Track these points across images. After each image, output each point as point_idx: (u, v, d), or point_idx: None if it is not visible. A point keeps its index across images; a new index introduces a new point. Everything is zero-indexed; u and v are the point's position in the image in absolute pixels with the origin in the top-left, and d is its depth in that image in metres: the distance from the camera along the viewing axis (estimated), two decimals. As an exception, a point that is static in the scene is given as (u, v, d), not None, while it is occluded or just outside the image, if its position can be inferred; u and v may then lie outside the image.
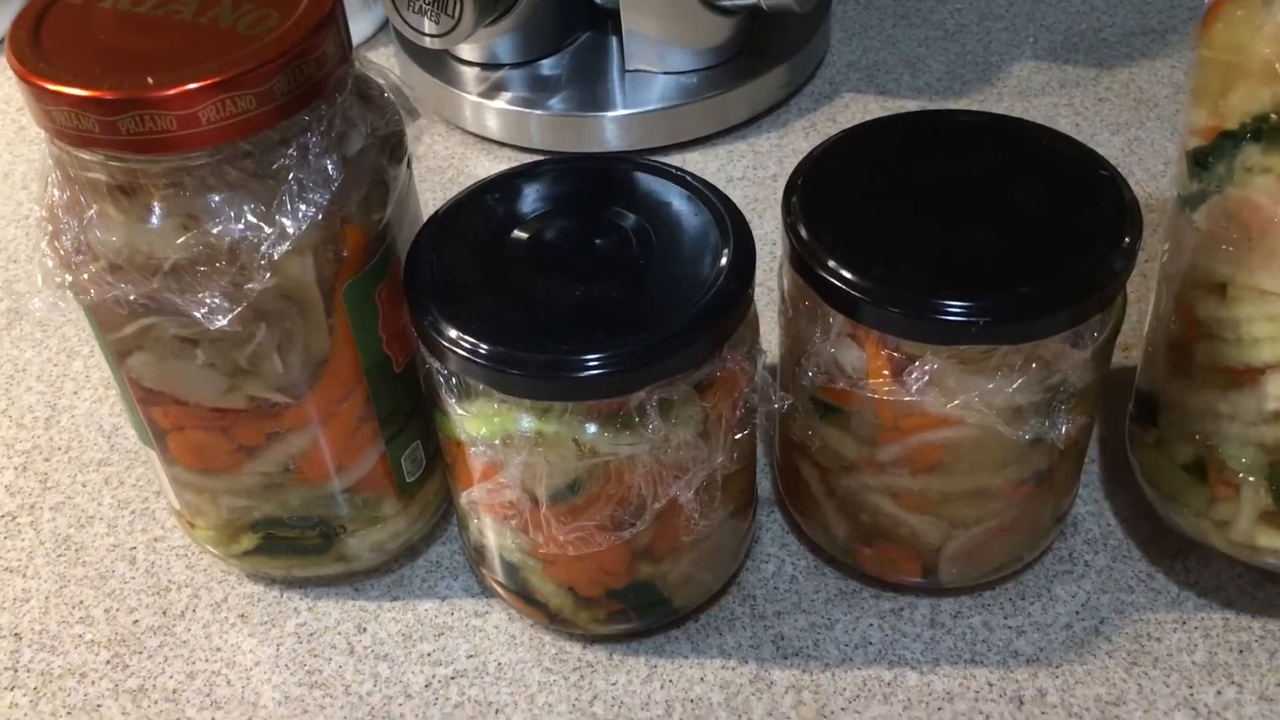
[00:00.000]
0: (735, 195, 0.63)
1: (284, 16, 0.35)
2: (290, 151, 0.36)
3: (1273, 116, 0.35)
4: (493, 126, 0.68)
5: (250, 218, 0.35)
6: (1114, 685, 0.42)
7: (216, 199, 0.35)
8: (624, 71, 0.68)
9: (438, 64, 0.70)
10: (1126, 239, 0.37)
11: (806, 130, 0.67)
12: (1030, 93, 0.68)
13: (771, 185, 0.64)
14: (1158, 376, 0.42)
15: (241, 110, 0.34)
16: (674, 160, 0.66)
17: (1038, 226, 0.38)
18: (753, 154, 0.66)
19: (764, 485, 0.50)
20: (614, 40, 0.69)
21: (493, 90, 0.68)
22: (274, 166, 0.36)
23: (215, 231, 0.35)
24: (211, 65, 0.34)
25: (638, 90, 0.68)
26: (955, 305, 0.36)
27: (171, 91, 0.33)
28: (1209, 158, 0.38)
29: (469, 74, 0.69)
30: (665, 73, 0.68)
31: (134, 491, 0.51)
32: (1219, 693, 0.42)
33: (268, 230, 0.35)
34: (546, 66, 0.69)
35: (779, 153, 0.66)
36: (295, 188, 0.36)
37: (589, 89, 0.68)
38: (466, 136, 0.69)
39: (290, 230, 0.36)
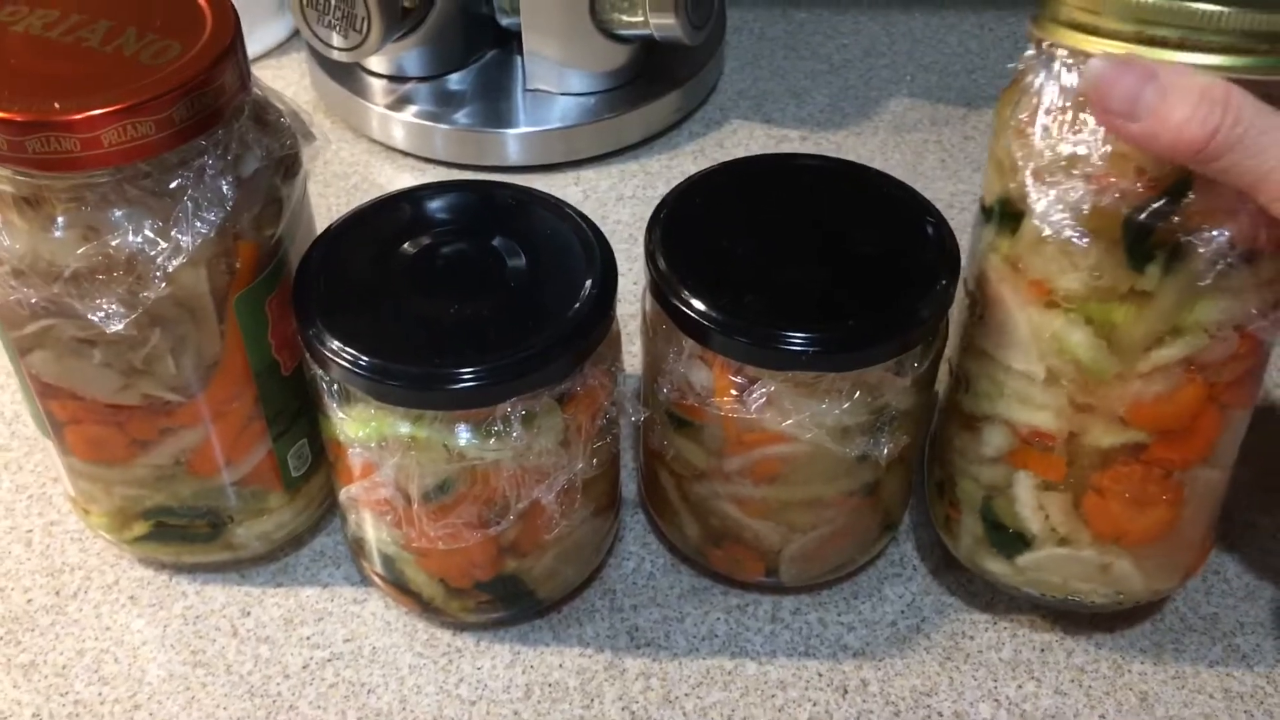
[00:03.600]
0: (624, 213, 0.67)
1: (185, 48, 0.39)
2: (187, 173, 0.39)
3: (1005, 203, 0.40)
4: (398, 137, 0.71)
5: (148, 232, 0.38)
6: (929, 677, 0.47)
7: (116, 214, 0.38)
8: (526, 90, 0.72)
9: (347, 74, 0.73)
10: (942, 281, 0.42)
11: (694, 154, 0.71)
12: (904, 128, 0.73)
13: (659, 205, 0.68)
14: (942, 409, 0.48)
15: (141, 135, 0.37)
16: (569, 176, 0.70)
17: (868, 266, 0.43)
18: (644, 174, 0.70)
19: (631, 488, 0.54)
20: (518, 60, 0.73)
21: (400, 103, 0.71)
22: (171, 186, 0.39)
23: (114, 244, 0.38)
24: (115, 93, 0.37)
25: (538, 109, 0.71)
26: (790, 336, 0.40)
27: (76, 116, 0.36)
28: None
29: (377, 85, 0.72)
30: (564, 94, 0.71)
31: (31, 477, 0.54)
32: (1019, 686, 0.47)
33: (163, 244, 0.38)
34: (452, 82, 0.73)
35: (668, 174, 0.70)
36: (191, 206, 0.39)
37: (492, 106, 0.71)
38: (373, 145, 0.72)
39: (185, 245, 0.39)
